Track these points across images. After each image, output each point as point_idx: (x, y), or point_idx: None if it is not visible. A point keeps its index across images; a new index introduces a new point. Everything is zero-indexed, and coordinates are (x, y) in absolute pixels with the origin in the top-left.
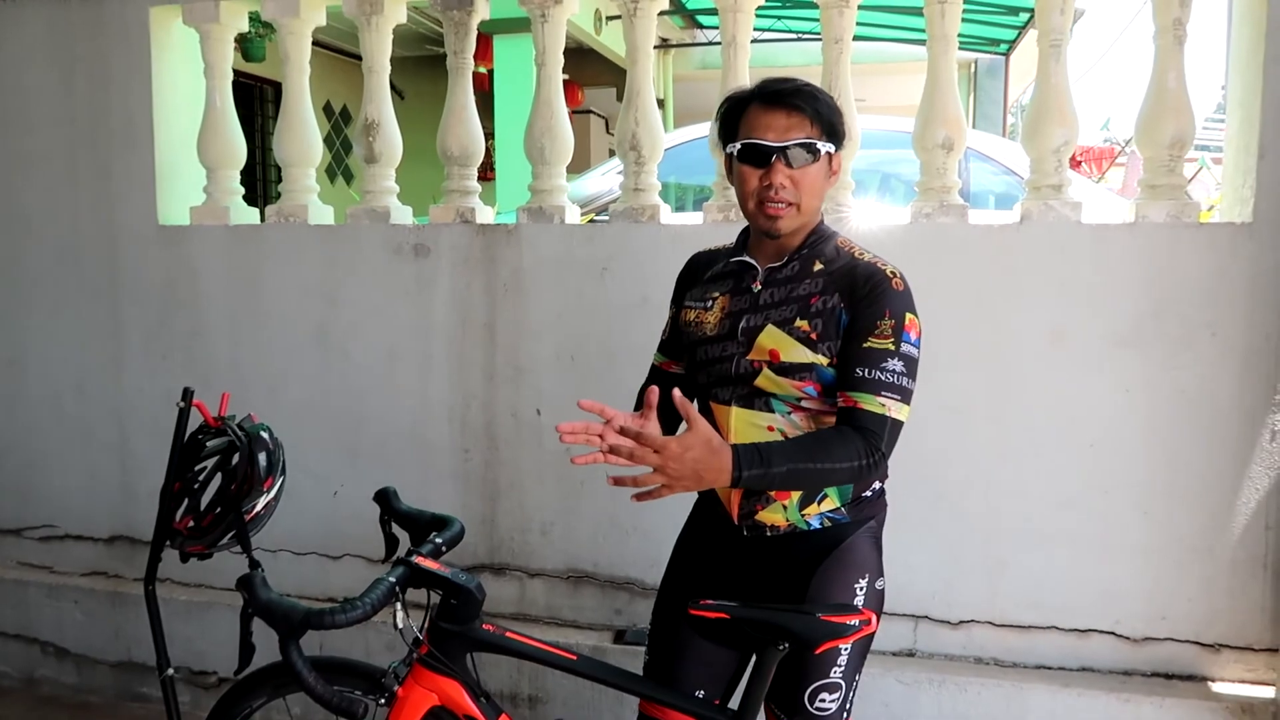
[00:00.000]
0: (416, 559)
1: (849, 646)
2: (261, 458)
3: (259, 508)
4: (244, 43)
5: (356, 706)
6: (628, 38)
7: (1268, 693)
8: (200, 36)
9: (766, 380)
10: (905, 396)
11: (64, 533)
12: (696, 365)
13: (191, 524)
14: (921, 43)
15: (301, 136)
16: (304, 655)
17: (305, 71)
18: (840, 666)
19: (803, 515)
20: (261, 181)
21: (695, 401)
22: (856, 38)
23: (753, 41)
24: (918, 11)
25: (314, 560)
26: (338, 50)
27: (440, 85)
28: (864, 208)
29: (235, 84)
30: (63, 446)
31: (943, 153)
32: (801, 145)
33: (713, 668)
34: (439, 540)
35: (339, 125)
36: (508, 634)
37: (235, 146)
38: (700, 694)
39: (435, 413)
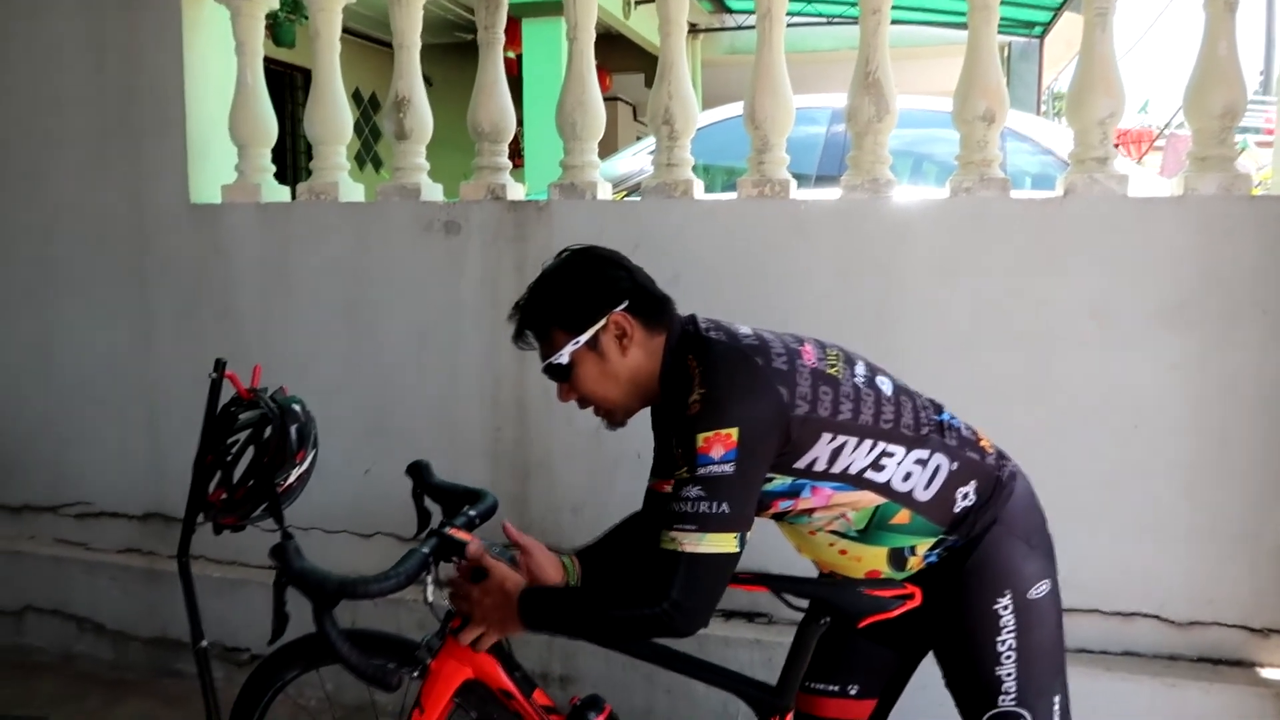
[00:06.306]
0: (449, 530)
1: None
2: (293, 430)
3: (291, 480)
4: (274, 27)
5: (390, 677)
6: (660, 10)
7: None
8: (231, 14)
9: None
10: (705, 524)
11: (99, 510)
12: None
13: (224, 496)
14: (954, 25)
15: (332, 114)
16: (338, 625)
17: (336, 49)
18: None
19: (909, 570)
20: (291, 169)
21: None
22: (891, 21)
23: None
24: None
25: (345, 539)
26: (366, 37)
27: (469, 72)
28: (899, 188)
29: (265, 70)
30: (95, 425)
31: (983, 125)
32: (547, 369)
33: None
34: (472, 513)
35: (368, 112)
36: None
37: (266, 124)
38: (854, 689)
39: (466, 390)
